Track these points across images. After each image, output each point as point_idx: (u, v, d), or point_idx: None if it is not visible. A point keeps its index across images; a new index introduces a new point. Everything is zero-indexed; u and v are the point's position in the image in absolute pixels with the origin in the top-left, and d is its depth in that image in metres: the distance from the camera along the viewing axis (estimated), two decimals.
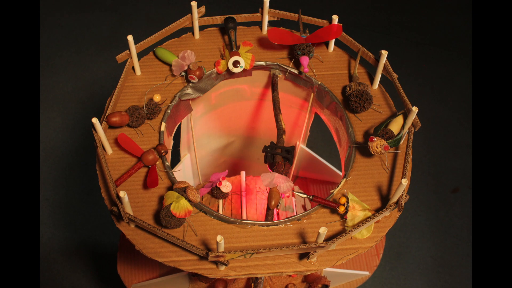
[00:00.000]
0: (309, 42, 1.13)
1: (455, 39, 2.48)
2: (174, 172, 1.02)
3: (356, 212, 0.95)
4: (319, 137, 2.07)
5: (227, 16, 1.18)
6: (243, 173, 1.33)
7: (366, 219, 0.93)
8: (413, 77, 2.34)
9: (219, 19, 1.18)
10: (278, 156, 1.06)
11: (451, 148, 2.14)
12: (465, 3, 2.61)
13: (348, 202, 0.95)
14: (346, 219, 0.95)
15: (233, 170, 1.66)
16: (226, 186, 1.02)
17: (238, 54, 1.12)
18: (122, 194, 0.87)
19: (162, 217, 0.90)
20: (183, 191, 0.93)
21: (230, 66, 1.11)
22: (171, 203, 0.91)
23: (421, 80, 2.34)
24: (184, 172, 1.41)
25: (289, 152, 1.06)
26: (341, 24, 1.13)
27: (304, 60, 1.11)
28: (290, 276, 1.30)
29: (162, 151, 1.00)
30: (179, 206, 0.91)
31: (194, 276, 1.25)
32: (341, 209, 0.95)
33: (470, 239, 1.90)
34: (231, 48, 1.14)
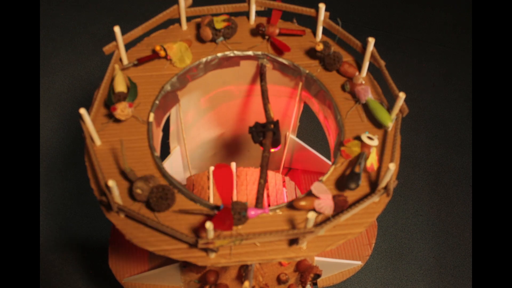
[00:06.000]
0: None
1: (456, 36, 2.48)
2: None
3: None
4: (310, 127, 2.07)
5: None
6: (233, 164, 1.33)
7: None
8: (413, 75, 2.34)
9: (206, 10, 1.18)
10: (267, 136, 1.06)
11: (452, 147, 2.13)
12: (466, 1, 2.61)
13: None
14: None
15: (224, 163, 1.65)
16: None
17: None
18: (111, 183, 0.87)
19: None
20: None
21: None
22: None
23: (421, 78, 2.33)
24: (174, 165, 1.41)
25: (274, 125, 1.06)
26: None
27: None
28: (281, 265, 1.31)
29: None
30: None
31: (185, 268, 1.25)
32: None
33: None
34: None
